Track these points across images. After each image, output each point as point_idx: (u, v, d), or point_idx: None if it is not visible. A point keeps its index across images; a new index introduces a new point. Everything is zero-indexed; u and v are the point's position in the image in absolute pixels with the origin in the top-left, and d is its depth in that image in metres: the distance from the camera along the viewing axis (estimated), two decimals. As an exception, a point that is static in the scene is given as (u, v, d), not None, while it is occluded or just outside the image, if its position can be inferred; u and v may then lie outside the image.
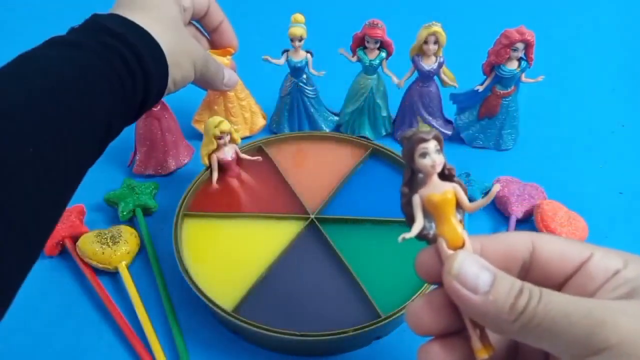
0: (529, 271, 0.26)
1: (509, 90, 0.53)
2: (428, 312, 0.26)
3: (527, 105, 0.57)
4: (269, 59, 0.54)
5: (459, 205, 0.26)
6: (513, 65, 0.51)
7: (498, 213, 0.50)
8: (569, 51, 0.73)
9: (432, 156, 0.24)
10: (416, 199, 0.26)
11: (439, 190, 0.25)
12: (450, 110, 0.57)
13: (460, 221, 0.26)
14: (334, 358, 0.39)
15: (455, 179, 0.26)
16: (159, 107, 0.51)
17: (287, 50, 0.54)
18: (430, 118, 0.56)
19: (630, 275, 0.24)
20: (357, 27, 0.52)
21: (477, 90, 0.54)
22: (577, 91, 0.66)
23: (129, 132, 0.52)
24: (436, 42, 0.51)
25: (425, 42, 0.51)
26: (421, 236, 0.26)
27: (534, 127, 0.59)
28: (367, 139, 0.55)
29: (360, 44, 0.53)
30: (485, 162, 0.56)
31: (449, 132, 0.57)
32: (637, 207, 0.50)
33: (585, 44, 0.75)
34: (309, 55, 0.54)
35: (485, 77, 0.53)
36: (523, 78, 0.52)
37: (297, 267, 0.42)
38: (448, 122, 0.58)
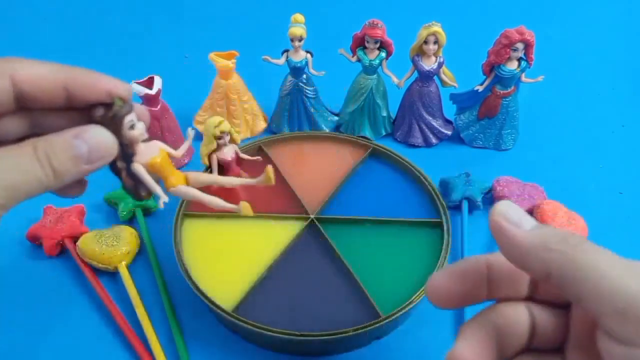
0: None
1: (509, 90, 0.53)
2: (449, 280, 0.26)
3: (527, 105, 0.57)
4: (269, 59, 0.54)
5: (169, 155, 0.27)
6: (513, 65, 0.51)
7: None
8: (569, 51, 0.73)
9: (139, 125, 0.25)
10: (140, 169, 0.26)
11: (155, 152, 0.26)
12: (450, 110, 0.57)
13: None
14: (334, 358, 0.39)
15: (148, 136, 0.27)
16: (159, 107, 0.51)
17: (287, 50, 0.54)
18: (430, 118, 0.56)
19: None
20: (357, 27, 0.52)
21: (477, 90, 0.54)
22: (577, 91, 0.66)
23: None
24: (436, 42, 0.51)
25: (425, 42, 0.51)
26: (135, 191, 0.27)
27: (534, 127, 0.59)
28: (367, 139, 0.55)
29: (360, 44, 0.53)
30: (485, 162, 0.56)
31: (449, 132, 0.57)
32: (637, 207, 0.50)
33: (585, 44, 0.75)
34: (309, 55, 0.54)
35: (485, 77, 0.53)
36: (523, 78, 0.52)
37: (297, 267, 0.42)
38: (448, 122, 0.58)
